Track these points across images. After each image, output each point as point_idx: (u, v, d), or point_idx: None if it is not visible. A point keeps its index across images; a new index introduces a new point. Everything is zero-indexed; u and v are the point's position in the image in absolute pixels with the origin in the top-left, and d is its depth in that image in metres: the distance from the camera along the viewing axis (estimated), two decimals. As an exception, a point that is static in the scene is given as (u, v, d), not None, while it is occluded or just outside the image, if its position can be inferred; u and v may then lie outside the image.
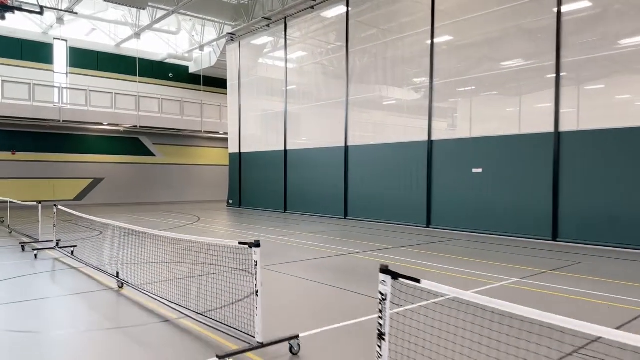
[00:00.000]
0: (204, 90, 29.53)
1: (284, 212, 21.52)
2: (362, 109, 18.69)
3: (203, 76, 29.38)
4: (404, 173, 16.21)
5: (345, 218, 18.41)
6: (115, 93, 24.90)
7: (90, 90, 24.15)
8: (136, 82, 26.97)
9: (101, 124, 25.29)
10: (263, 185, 23.05)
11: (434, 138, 15.35)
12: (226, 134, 26.16)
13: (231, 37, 24.59)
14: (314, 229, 15.01)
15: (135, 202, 27.37)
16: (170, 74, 29.37)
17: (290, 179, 21.41)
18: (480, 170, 14.04)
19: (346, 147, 18.46)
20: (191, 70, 29.91)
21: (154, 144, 28.36)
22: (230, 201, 25.28)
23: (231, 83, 24.96)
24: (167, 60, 29.09)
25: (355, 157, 18.18)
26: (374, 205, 17.28)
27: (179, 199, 29.17)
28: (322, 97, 20.32)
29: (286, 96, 21.55)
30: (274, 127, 22.59)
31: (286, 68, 21.62)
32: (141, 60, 27.88)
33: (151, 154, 28.32)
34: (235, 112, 24.67)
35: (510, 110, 14.31)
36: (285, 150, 21.57)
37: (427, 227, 15.33)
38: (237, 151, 24.72)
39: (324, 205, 19.41)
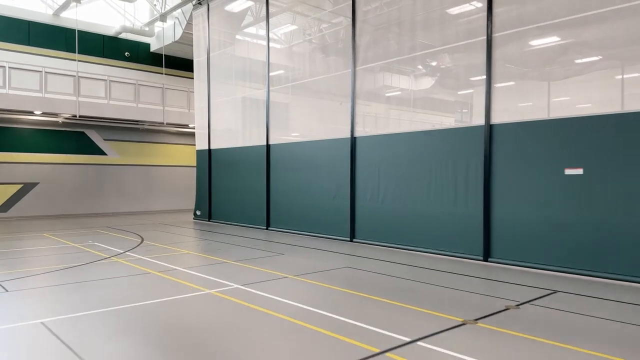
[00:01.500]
0: (167, 74, 23.70)
1: (266, 228, 15.92)
2: (373, 89, 13.20)
3: (166, 55, 23.51)
4: (443, 176, 10.69)
5: (351, 241, 12.83)
6: (46, 72, 19.06)
7: (9, 67, 18.30)
8: (75, 60, 21.11)
9: (31, 112, 19.50)
10: (239, 192, 17.39)
11: (494, 121, 9.84)
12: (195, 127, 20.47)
13: (198, 0, 18.96)
14: (307, 266, 9.42)
15: (80, 214, 21.58)
16: (126, 53, 23.56)
17: (274, 185, 15.80)
18: (579, 171, 8.56)
19: (353, 139, 12.89)
20: (153, 49, 24.04)
21: (104, 139, 22.54)
22: (198, 212, 19.60)
23: (198, 59, 19.26)
24: (123, 36, 23.31)
25: (366, 152, 12.61)
26: (396, 224, 11.71)
27: (139, 208, 23.40)
28: (318, 73, 14.78)
29: (268, 66, 15.96)
30: (253, 115, 17.00)
31: (268, 37, 16.02)
32: (88, 34, 22.10)
33: (101, 153, 22.51)
34: (204, 97, 18.99)
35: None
36: (268, 145, 15.96)
37: (486, 261, 9.80)
38: (207, 147, 19.06)
39: (322, 221, 13.81)
